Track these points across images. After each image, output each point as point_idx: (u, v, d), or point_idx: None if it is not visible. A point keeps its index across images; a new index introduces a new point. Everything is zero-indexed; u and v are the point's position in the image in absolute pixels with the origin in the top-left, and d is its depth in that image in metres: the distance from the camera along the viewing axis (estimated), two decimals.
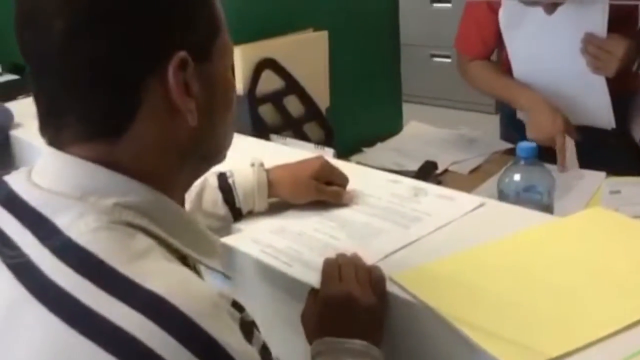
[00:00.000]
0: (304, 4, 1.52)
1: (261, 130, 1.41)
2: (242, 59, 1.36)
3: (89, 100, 0.56)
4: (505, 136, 1.74)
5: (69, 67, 0.55)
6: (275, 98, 1.45)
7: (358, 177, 1.06)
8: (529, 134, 1.41)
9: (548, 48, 1.48)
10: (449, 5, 3.87)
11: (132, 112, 0.56)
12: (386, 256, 0.84)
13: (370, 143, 1.74)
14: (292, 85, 1.47)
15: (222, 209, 0.95)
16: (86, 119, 0.57)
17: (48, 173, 0.59)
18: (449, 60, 3.86)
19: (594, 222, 0.87)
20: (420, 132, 1.83)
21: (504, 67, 1.62)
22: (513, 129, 1.65)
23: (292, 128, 1.49)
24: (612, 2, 1.35)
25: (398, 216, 0.95)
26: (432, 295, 0.72)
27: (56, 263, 0.52)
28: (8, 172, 0.64)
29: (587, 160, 1.57)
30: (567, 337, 0.64)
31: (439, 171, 1.53)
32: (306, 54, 1.49)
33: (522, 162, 1.00)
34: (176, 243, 0.58)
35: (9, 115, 1.57)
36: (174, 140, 0.59)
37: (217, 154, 0.66)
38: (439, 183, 1.49)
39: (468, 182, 1.47)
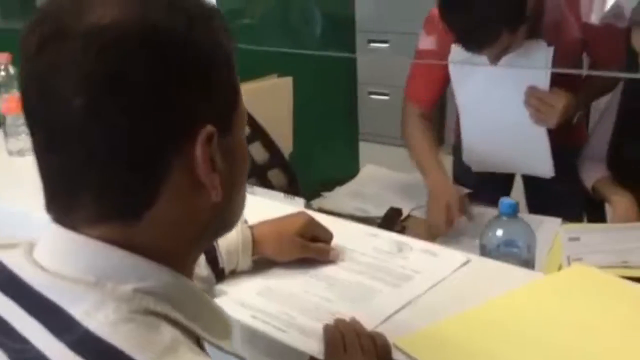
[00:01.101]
0: (267, 51, 1.51)
1: None
2: None
3: (107, 180, 0.52)
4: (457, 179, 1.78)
5: (88, 144, 0.51)
6: None
7: (335, 230, 1.04)
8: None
9: (494, 99, 1.54)
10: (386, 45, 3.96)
11: (155, 192, 0.53)
12: (385, 320, 0.82)
13: (329, 187, 1.73)
14: (258, 132, 1.45)
15: (204, 270, 0.91)
16: (104, 199, 0.52)
17: (57, 254, 0.53)
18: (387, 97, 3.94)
19: (579, 280, 0.89)
20: (377, 176, 1.84)
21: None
22: (464, 172, 1.70)
23: (257, 175, 1.46)
24: (554, 70, 1.42)
25: (386, 274, 0.94)
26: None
27: (74, 359, 0.48)
28: None
29: (538, 207, 1.63)
30: None
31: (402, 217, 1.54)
32: (271, 100, 1.48)
33: (503, 218, 1.02)
34: (196, 328, 0.55)
35: None
36: (195, 217, 0.56)
37: (232, 224, 0.63)
38: (403, 229, 1.50)
39: (430, 228, 1.49)
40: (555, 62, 1.39)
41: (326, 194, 1.71)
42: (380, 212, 1.56)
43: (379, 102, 4.01)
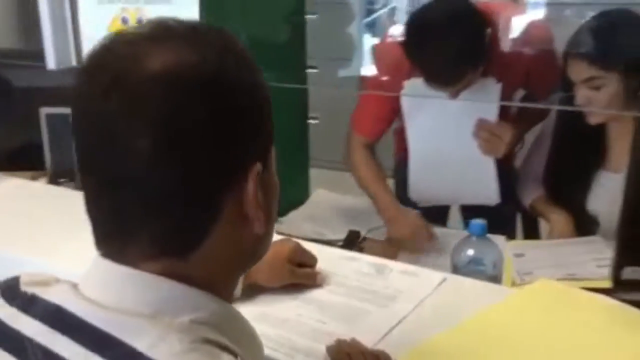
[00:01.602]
0: None
1: None
2: None
3: (166, 218, 0.54)
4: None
5: (149, 186, 0.53)
6: None
7: (315, 254, 1.09)
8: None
9: (445, 131, 1.64)
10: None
11: (208, 229, 0.56)
12: (381, 339, 0.88)
13: (282, 212, 1.77)
14: None
15: None
16: (159, 238, 0.55)
17: (109, 288, 0.55)
18: None
19: (548, 293, 0.99)
20: (328, 200, 1.90)
21: (399, 144, 1.77)
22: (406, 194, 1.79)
23: None
24: (502, 102, 1.56)
25: (372, 295, 1.00)
26: None
27: None
28: None
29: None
30: None
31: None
32: None
33: (473, 238, 1.11)
34: (244, 355, 0.58)
35: None
36: (241, 249, 0.59)
37: (265, 253, 0.66)
38: (361, 250, 1.57)
39: (387, 248, 1.56)
40: (502, 97, 1.52)
41: (281, 218, 1.75)
42: (336, 234, 1.62)
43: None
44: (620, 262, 1.03)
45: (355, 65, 5.07)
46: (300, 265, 1.02)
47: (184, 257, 0.56)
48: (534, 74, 1.61)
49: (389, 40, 1.66)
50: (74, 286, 0.57)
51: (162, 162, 0.53)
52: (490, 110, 1.55)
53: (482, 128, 1.56)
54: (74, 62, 1.21)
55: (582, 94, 1.39)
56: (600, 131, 1.50)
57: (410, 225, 1.54)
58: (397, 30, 1.57)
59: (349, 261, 1.12)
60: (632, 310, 0.92)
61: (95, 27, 1.17)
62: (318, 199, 1.92)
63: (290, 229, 1.64)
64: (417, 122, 1.66)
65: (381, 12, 6.35)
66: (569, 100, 1.45)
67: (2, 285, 0.62)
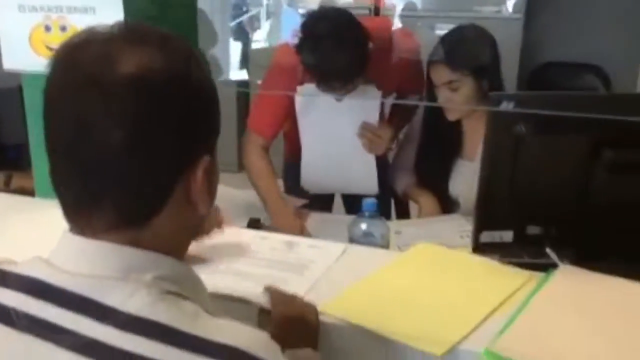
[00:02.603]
0: None
1: None
2: None
3: (126, 197, 0.64)
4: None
5: (118, 169, 0.62)
6: None
7: (231, 236, 1.24)
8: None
9: (333, 130, 1.87)
10: None
11: (160, 207, 0.65)
12: (303, 296, 1.06)
13: None
14: None
15: None
16: (121, 210, 0.64)
17: (83, 259, 0.64)
18: None
19: (427, 253, 1.22)
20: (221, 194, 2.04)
21: (290, 146, 1.97)
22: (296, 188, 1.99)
23: None
24: (383, 99, 1.81)
25: (288, 266, 1.17)
26: (358, 316, 0.97)
27: (125, 335, 0.59)
28: None
29: (355, 210, 1.99)
30: (453, 331, 0.95)
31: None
32: None
33: (366, 214, 1.32)
34: (195, 300, 0.67)
35: None
36: (186, 226, 0.70)
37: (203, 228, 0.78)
38: None
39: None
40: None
41: None
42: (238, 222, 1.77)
43: None
44: (478, 229, 1.30)
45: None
46: None
47: (136, 229, 0.65)
48: (405, 78, 1.88)
49: (286, 46, 1.84)
50: (45, 260, 0.66)
51: (128, 152, 0.62)
52: (372, 114, 1.80)
53: (366, 129, 1.80)
54: None
55: (443, 95, 1.67)
56: (456, 126, 1.80)
57: (288, 220, 1.74)
58: (294, 38, 1.76)
59: (262, 239, 1.29)
60: (490, 261, 1.19)
61: (16, 34, 1.23)
62: None
63: None
64: (309, 122, 1.86)
65: (244, 17, 6.50)
66: (432, 100, 1.73)
67: None
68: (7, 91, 1.70)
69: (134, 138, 0.62)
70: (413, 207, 2.01)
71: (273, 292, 0.99)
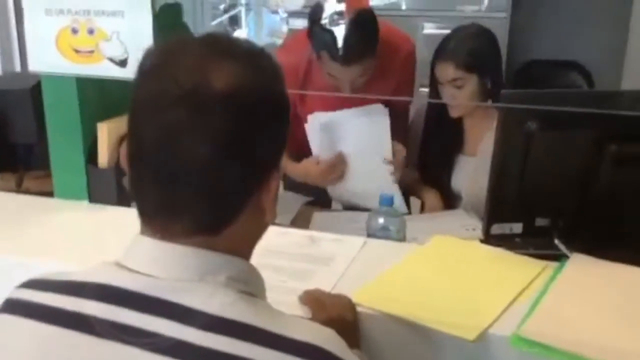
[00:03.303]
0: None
1: (123, 200, 1.51)
2: (107, 134, 1.46)
3: (207, 206, 0.67)
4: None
5: (206, 183, 0.66)
6: None
7: None
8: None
9: (347, 152, 1.84)
10: None
11: (237, 216, 0.69)
12: (333, 287, 1.10)
13: None
14: None
15: None
16: (199, 219, 0.68)
17: (159, 263, 0.67)
18: None
19: (447, 245, 1.28)
20: None
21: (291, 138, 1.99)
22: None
23: None
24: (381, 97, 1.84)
25: (313, 259, 1.22)
26: (389, 305, 1.02)
27: (210, 335, 0.62)
28: None
29: None
30: (481, 317, 1.01)
31: None
32: None
33: (383, 209, 1.37)
34: (264, 299, 0.74)
35: None
36: (255, 231, 0.75)
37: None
38: None
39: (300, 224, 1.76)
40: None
41: None
42: None
43: None
44: (489, 221, 1.36)
45: None
46: None
47: (212, 235, 0.69)
48: (401, 82, 1.93)
49: (283, 49, 1.87)
50: (116, 264, 0.69)
51: (215, 165, 0.65)
52: (383, 133, 1.79)
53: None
54: (18, 68, 1.28)
55: (448, 92, 1.73)
56: (458, 123, 1.86)
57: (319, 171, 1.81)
58: (294, 39, 1.79)
59: (284, 235, 1.33)
60: (505, 252, 1.25)
61: (43, 36, 1.25)
62: None
63: None
64: (321, 148, 1.85)
65: (224, 17, 6.51)
66: (436, 96, 1.79)
67: (31, 283, 0.71)
68: (19, 92, 1.72)
69: (222, 152, 0.65)
70: (414, 202, 2.07)
71: (309, 302, 1.01)
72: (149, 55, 0.70)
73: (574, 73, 3.72)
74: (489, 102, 1.72)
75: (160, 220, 0.68)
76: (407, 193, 2.02)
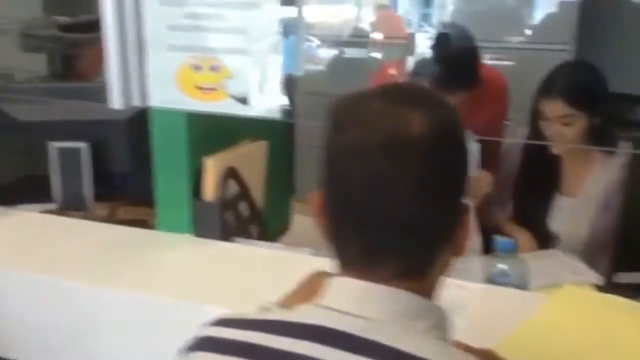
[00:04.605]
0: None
1: (227, 234, 1.49)
2: (213, 169, 1.44)
3: (410, 250, 0.68)
4: None
5: (411, 228, 0.67)
6: (233, 203, 1.54)
7: None
8: None
9: None
10: None
11: (439, 258, 0.70)
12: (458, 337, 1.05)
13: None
14: (245, 191, 1.58)
15: None
16: (403, 265, 0.68)
17: (362, 303, 0.67)
18: None
19: (578, 297, 1.21)
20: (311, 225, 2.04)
21: None
22: None
23: (242, 229, 1.58)
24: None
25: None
26: None
27: None
28: None
29: None
30: None
31: None
32: (253, 162, 1.62)
33: (502, 254, 1.32)
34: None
35: None
36: (447, 270, 0.74)
37: None
38: None
39: None
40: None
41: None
42: None
43: None
44: (613, 269, 1.29)
45: None
46: None
47: (418, 280, 0.70)
48: (497, 111, 1.89)
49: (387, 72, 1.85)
50: (316, 305, 0.69)
51: (420, 210, 0.67)
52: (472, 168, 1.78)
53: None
54: (136, 102, 1.27)
55: (554, 129, 1.68)
56: (558, 160, 1.80)
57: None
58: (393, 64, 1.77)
59: None
60: None
61: (163, 72, 1.24)
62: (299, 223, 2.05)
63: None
64: None
65: None
66: (538, 132, 1.73)
67: (224, 322, 0.72)
68: (116, 123, 1.72)
69: (426, 197, 0.66)
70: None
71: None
72: (336, 107, 0.71)
73: None
74: (601, 144, 1.66)
75: (361, 265, 0.69)
76: (494, 231, 1.96)
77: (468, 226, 0.72)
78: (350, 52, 3.77)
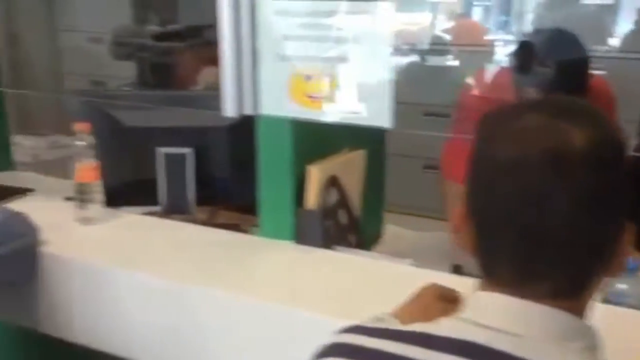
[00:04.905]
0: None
1: (327, 243, 1.49)
2: (317, 177, 1.45)
3: (569, 269, 0.66)
4: None
5: (573, 245, 0.65)
6: (333, 211, 1.55)
7: None
8: None
9: None
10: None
11: (597, 274, 0.68)
12: None
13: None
14: (344, 199, 1.58)
15: None
16: (560, 283, 0.66)
17: (515, 320, 0.66)
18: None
19: None
20: (402, 235, 2.03)
21: None
22: None
23: (340, 237, 1.59)
24: None
25: None
26: None
27: None
28: None
29: None
30: None
31: None
32: (352, 171, 1.62)
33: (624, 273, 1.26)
34: None
35: (33, 231, 1.43)
36: (599, 289, 0.71)
37: None
38: None
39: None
40: None
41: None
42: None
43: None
44: None
45: None
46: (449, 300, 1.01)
47: (573, 299, 0.67)
48: None
49: (474, 92, 1.82)
50: (463, 320, 0.68)
51: (582, 226, 0.64)
52: None
53: None
54: (248, 111, 1.30)
55: None
56: None
57: None
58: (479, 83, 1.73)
59: None
60: None
61: (275, 81, 1.27)
62: (391, 234, 2.04)
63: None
64: None
65: None
66: None
67: (360, 329, 0.72)
68: (218, 129, 1.77)
69: (592, 214, 0.64)
70: None
71: None
72: (486, 121, 0.70)
73: None
74: None
75: (514, 281, 0.67)
76: None
77: (626, 244, 0.69)
78: (432, 61, 3.72)
